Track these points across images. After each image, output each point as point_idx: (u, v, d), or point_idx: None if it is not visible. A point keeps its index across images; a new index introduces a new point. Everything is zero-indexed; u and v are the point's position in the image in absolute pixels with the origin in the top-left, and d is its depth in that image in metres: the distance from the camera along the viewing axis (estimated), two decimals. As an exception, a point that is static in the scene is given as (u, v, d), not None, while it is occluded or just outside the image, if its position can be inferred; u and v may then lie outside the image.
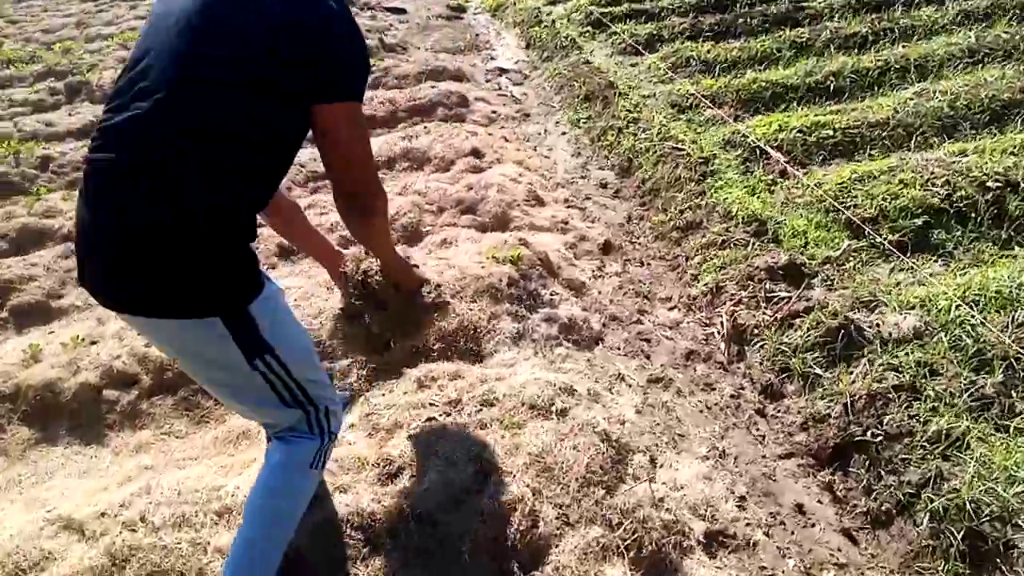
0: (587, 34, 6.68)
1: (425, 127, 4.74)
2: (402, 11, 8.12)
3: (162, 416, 2.55)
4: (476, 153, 4.44)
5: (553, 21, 7.08)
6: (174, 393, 2.60)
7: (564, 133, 5.11)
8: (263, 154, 1.52)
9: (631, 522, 1.95)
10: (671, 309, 3.27)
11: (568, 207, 4.10)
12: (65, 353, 2.68)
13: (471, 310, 2.83)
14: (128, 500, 2.03)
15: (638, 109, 4.78)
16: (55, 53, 7.06)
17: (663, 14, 6.31)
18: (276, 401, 1.67)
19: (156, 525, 1.92)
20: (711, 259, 3.37)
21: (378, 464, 2.12)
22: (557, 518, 1.95)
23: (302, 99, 1.51)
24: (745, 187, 3.74)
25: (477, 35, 7.37)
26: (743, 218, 3.49)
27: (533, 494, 1.98)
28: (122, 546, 1.86)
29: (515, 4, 8.07)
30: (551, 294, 3.07)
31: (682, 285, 3.39)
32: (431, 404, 2.36)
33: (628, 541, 1.91)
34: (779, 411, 2.64)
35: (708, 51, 5.33)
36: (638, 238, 3.83)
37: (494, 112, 5.33)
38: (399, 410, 2.34)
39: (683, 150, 4.12)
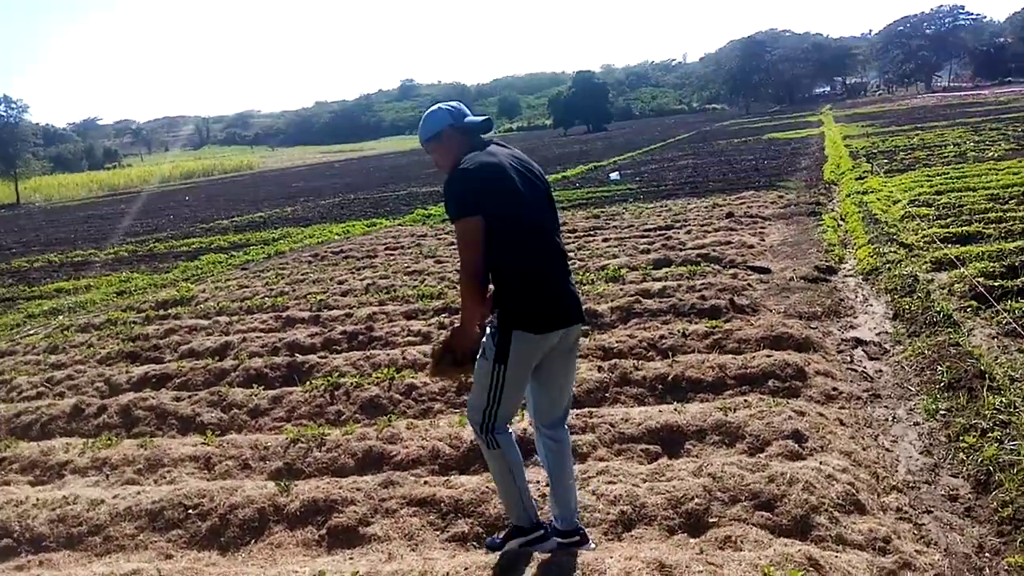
0: (968, 310, 5.93)
1: (746, 400, 4.52)
2: (766, 271, 8.14)
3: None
4: (797, 436, 4.07)
5: (929, 292, 6.45)
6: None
7: (917, 424, 4.44)
8: None
9: None
10: None
11: (899, 519, 3.46)
12: (342, 589, 2.94)
13: (726, 637, 2.47)
14: None
15: (1011, 410, 3.98)
16: (456, 292, 8.45)
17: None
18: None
19: None
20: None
21: None
22: None
23: None
24: None
25: (840, 300, 7.00)
26: None
27: None
28: None
29: (891, 269, 7.57)
30: (837, 637, 2.54)
31: (1036, 664, 2.55)
32: None
33: None
34: None
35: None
36: (988, 580, 3.04)
37: (835, 389, 4.89)
38: None
39: (1065, 473, 3.27)
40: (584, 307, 3.41)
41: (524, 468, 3.16)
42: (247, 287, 10.48)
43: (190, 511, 3.83)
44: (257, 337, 7.31)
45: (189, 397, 5.71)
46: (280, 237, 16.27)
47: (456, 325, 3.12)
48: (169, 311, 9.30)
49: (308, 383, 5.72)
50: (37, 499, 4.08)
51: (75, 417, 5.64)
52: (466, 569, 2.98)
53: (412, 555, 3.37)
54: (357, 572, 3.01)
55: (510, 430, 3.09)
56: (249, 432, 5.16)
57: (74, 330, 8.80)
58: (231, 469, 4.47)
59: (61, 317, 10.01)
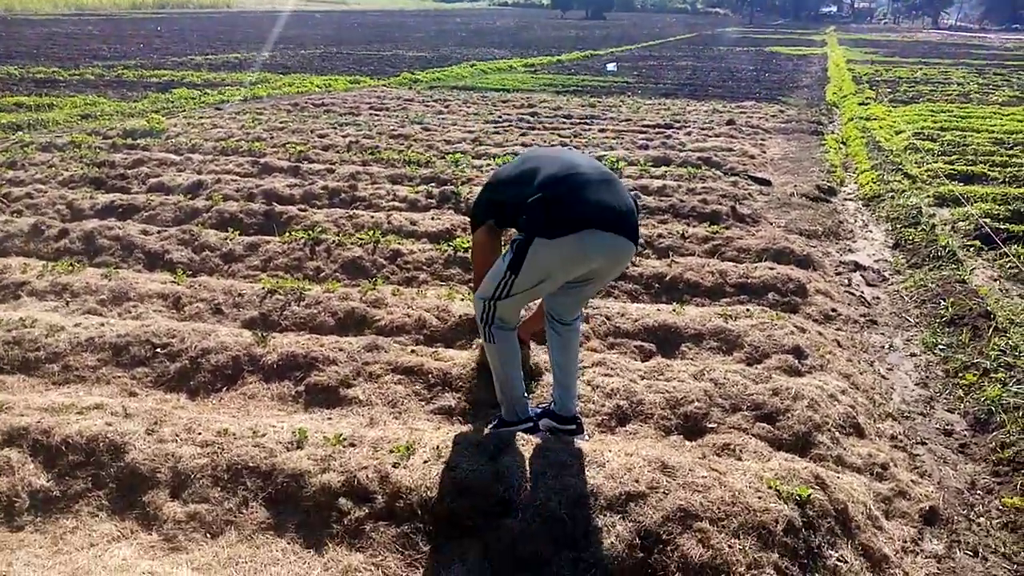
0: (971, 249, 5.80)
1: (748, 310, 4.36)
2: (767, 182, 7.90)
3: (379, 545, 2.46)
4: (797, 352, 3.94)
5: (933, 226, 6.30)
6: (398, 525, 2.51)
7: (913, 355, 4.36)
8: None
9: None
10: (1003, 634, 2.43)
11: (894, 447, 3.39)
12: (324, 447, 2.76)
13: (729, 547, 2.36)
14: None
15: (1017, 352, 3.89)
16: (445, 162, 8.05)
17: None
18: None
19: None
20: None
21: None
22: None
23: None
24: None
25: (840, 223, 6.83)
26: None
27: None
28: None
29: (893, 198, 7.39)
30: (838, 560, 2.46)
31: (1028, 606, 2.52)
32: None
33: None
34: None
35: None
36: (979, 517, 2.99)
37: (834, 311, 4.76)
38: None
39: (1071, 423, 3.20)
40: None
41: (519, 364, 3.03)
42: (221, 128, 9.89)
43: (158, 350, 3.58)
44: (232, 180, 6.89)
45: (158, 232, 5.36)
46: (258, 81, 15.40)
47: None
48: (138, 141, 8.74)
49: (287, 234, 5.41)
50: (-10, 317, 3.78)
51: (34, 237, 5.26)
52: (456, 444, 2.81)
53: (396, 423, 3.20)
54: (340, 434, 2.83)
55: (514, 328, 2.95)
56: (222, 277, 4.87)
57: (34, 148, 8.22)
58: (202, 312, 4.21)
59: (20, 133, 9.36)
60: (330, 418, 3.22)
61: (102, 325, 3.74)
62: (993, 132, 10.88)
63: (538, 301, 3.51)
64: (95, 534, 2.46)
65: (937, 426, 3.64)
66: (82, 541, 2.44)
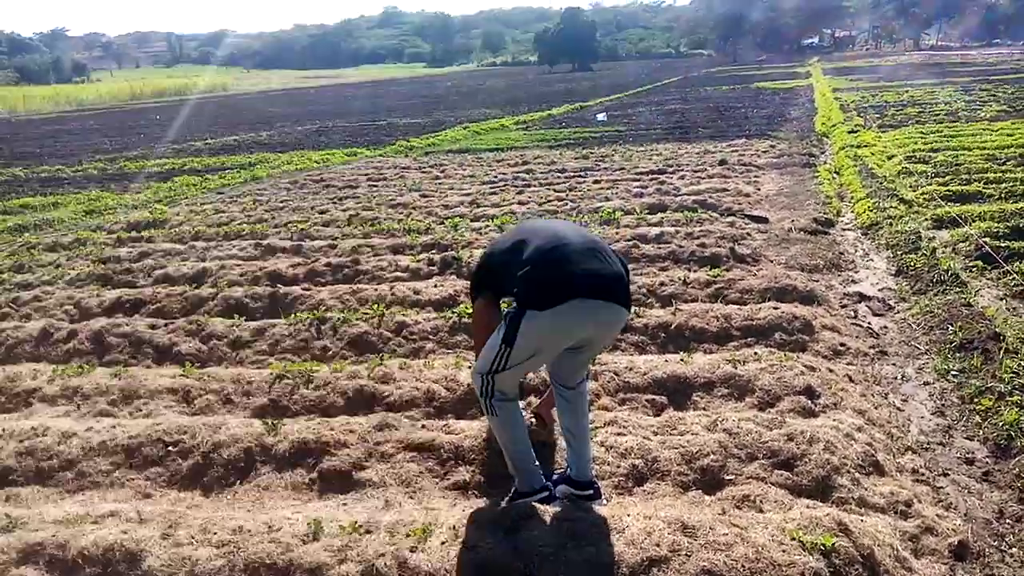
0: (974, 269, 5.79)
1: (755, 353, 4.34)
2: (763, 220, 7.94)
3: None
4: (809, 392, 3.91)
5: (934, 249, 6.30)
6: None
7: (927, 384, 4.32)
8: None
9: None
10: (1049, 674, 2.36)
11: (916, 482, 3.34)
12: (340, 537, 2.74)
13: (756, 607, 2.32)
14: None
15: (1031, 374, 3.85)
16: (445, 227, 8.15)
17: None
18: None
19: None
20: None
21: None
22: None
23: None
24: None
25: (841, 254, 6.84)
26: None
27: None
28: None
29: (891, 224, 7.41)
30: (869, 608, 2.41)
31: (1071, 642, 2.45)
32: None
33: None
34: None
35: None
36: (1011, 547, 2.93)
37: (842, 345, 4.74)
38: None
39: (1093, 443, 3.15)
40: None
41: (526, 435, 3.04)
42: (223, 212, 10.06)
43: (170, 448, 3.59)
44: (236, 265, 6.98)
45: (165, 325, 5.41)
46: (257, 162, 15.69)
47: None
48: (142, 233, 8.89)
49: (292, 316, 5.45)
50: (3, 429, 3.80)
51: (43, 341, 5.32)
52: (473, 521, 2.79)
53: (411, 503, 3.17)
54: (355, 521, 2.81)
55: (515, 399, 2.98)
56: (230, 365, 4.90)
57: (41, 249, 8.37)
58: (212, 404, 4.22)
59: (27, 234, 9.54)
60: (345, 503, 3.21)
61: (113, 427, 3.75)
62: (984, 148, 10.96)
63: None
64: (116, 647, 2.44)
65: (958, 455, 3.59)
66: (103, 655, 2.41)
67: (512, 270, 2.82)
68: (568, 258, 2.79)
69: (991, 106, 16.85)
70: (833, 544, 2.55)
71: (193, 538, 2.77)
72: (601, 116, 21.31)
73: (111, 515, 2.93)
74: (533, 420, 3.58)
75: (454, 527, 2.76)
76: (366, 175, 12.81)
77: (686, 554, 2.50)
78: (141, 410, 4.14)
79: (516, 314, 2.76)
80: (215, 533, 2.80)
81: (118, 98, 55.10)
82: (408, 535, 2.74)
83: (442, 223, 8.43)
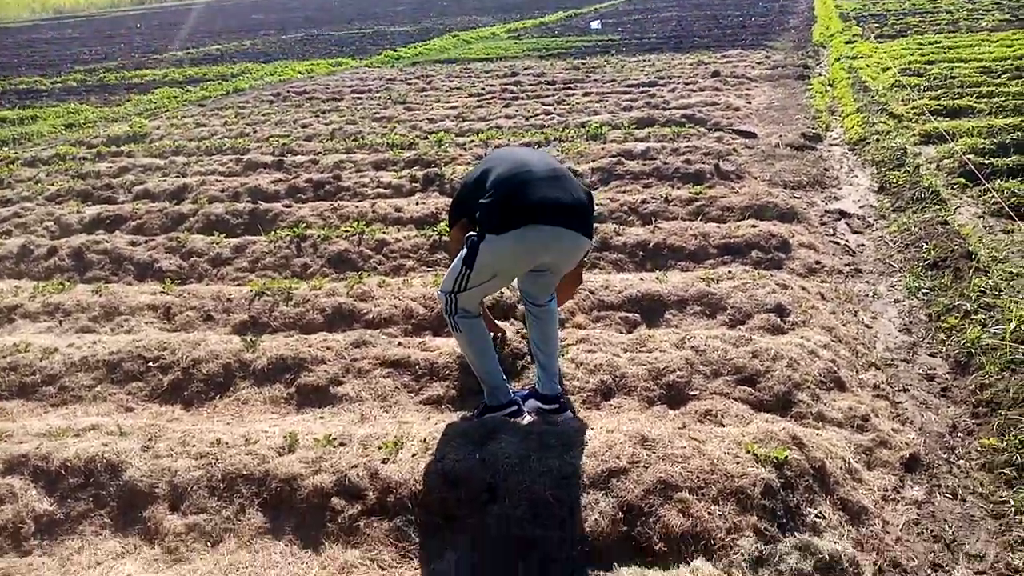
0: (955, 187, 5.80)
1: (730, 271, 4.40)
2: (751, 135, 7.87)
3: (374, 540, 2.55)
4: (780, 310, 3.99)
5: (917, 166, 6.29)
6: (390, 519, 2.60)
7: (898, 301, 4.40)
8: None
9: None
10: (979, 574, 2.51)
11: (876, 397, 3.45)
12: (315, 449, 2.84)
13: (708, 514, 2.44)
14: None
15: (996, 292, 3.92)
16: (429, 143, 8.05)
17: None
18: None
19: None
20: (1056, 522, 2.54)
21: None
22: None
23: None
24: None
25: (825, 170, 6.82)
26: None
27: None
28: None
29: (878, 140, 7.35)
30: (816, 516, 2.54)
31: (1001, 544, 2.59)
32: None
33: None
34: None
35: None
36: (959, 460, 3.06)
37: (818, 263, 4.79)
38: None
39: (1048, 360, 3.25)
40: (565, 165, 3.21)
41: (492, 349, 3.16)
42: (205, 126, 9.90)
43: (150, 363, 3.66)
44: (217, 181, 6.92)
45: (146, 242, 5.43)
46: (239, 73, 15.32)
47: None
48: (122, 148, 8.77)
49: (272, 233, 5.46)
50: (-14, 345, 3.87)
51: (24, 258, 5.33)
52: (444, 434, 2.89)
53: (385, 416, 3.28)
54: (330, 434, 2.91)
55: (478, 316, 3.09)
56: (211, 282, 4.94)
57: (20, 164, 8.27)
58: (193, 320, 4.28)
59: (5, 149, 9.40)
60: (322, 417, 3.31)
61: (95, 343, 3.82)
62: (981, 61, 10.74)
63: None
64: (100, 552, 2.56)
65: (920, 372, 3.70)
66: (88, 560, 2.54)
67: (477, 196, 2.90)
68: (528, 184, 2.84)
69: (994, 15, 16.41)
70: (786, 456, 2.66)
71: (172, 450, 2.87)
72: (595, 24, 20.72)
73: (93, 428, 3.03)
74: (498, 336, 3.67)
75: (424, 440, 2.86)
76: (351, 87, 12.55)
77: (644, 466, 2.61)
78: (122, 326, 4.20)
79: (476, 238, 2.84)
80: (194, 445, 2.90)
81: (97, 5, 53.11)
82: (380, 447, 2.85)
83: (426, 138, 8.32)
